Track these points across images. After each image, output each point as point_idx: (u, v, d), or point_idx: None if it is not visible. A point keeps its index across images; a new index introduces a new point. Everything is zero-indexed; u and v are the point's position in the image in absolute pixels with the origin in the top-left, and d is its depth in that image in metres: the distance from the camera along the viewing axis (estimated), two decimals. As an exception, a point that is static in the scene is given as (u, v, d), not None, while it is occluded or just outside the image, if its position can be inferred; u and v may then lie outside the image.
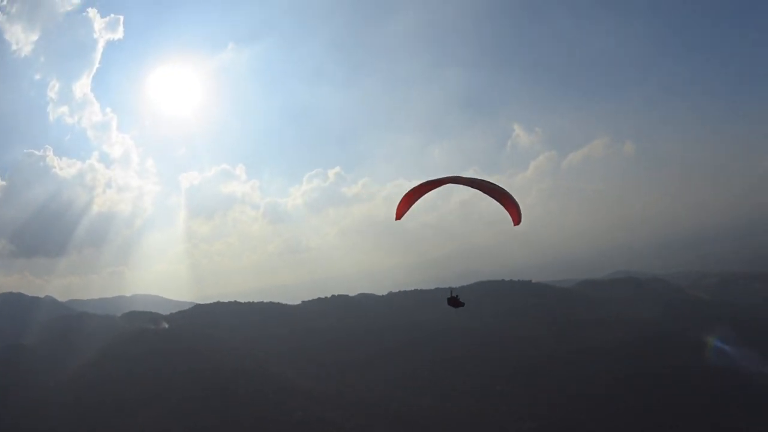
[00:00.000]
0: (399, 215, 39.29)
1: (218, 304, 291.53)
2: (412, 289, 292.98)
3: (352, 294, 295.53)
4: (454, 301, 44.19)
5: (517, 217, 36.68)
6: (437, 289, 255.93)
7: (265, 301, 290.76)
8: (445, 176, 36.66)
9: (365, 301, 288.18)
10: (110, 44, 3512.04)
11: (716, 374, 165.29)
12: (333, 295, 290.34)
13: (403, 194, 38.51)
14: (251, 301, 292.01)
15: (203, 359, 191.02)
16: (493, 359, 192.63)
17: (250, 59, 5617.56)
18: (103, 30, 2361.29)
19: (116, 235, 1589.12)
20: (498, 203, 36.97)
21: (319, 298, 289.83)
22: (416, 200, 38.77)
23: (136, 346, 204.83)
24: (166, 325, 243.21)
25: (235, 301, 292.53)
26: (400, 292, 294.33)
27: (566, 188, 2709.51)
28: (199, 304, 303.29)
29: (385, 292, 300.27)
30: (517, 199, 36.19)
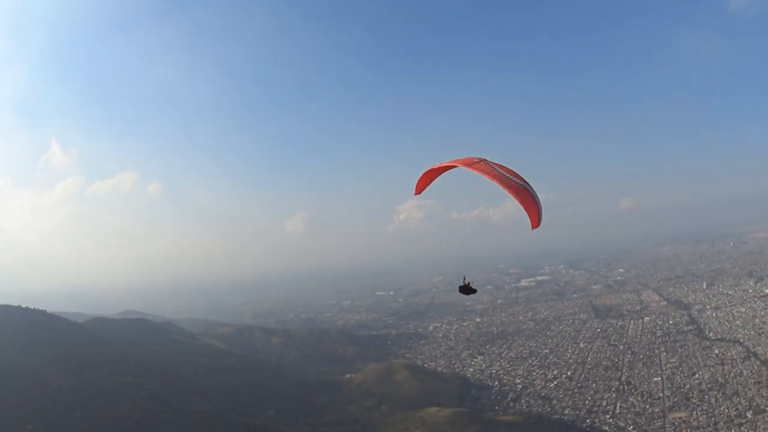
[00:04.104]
0: (419, 190, 40.38)
1: None
2: None
3: None
4: (467, 288, 46.62)
5: (536, 220, 37.93)
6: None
7: None
8: (472, 158, 37.70)
9: None
10: None
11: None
12: None
13: (425, 170, 39.35)
14: None
15: None
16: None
17: None
18: None
19: None
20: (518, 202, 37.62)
21: None
22: (435, 178, 39.86)
23: None
24: None
25: None
26: None
27: (88, 217, 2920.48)
28: None
29: None
30: (539, 200, 37.79)
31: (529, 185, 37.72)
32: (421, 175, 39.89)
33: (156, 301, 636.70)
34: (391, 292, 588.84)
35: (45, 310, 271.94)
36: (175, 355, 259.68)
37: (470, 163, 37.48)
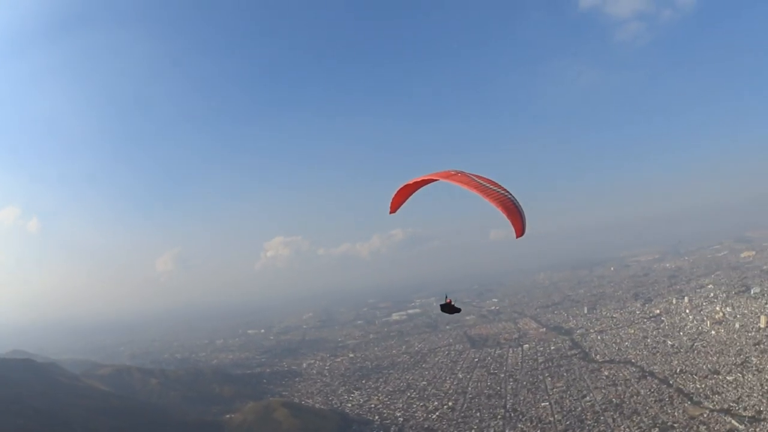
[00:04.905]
0: (393, 209, 39.39)
1: None
2: None
3: None
4: (449, 307, 46.23)
5: (520, 228, 37.41)
6: None
7: None
8: (449, 171, 36.78)
9: None
10: None
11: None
12: None
13: (399, 187, 38.54)
14: None
15: None
16: None
17: None
18: None
19: None
20: (499, 211, 36.80)
21: None
22: (412, 194, 38.19)
23: None
24: None
25: None
26: None
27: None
28: None
29: None
30: (522, 209, 37.15)
31: (511, 195, 37.15)
32: (395, 192, 38.75)
33: (38, 340, 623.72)
34: (262, 330, 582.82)
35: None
36: (60, 397, 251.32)
37: (448, 176, 37.02)
